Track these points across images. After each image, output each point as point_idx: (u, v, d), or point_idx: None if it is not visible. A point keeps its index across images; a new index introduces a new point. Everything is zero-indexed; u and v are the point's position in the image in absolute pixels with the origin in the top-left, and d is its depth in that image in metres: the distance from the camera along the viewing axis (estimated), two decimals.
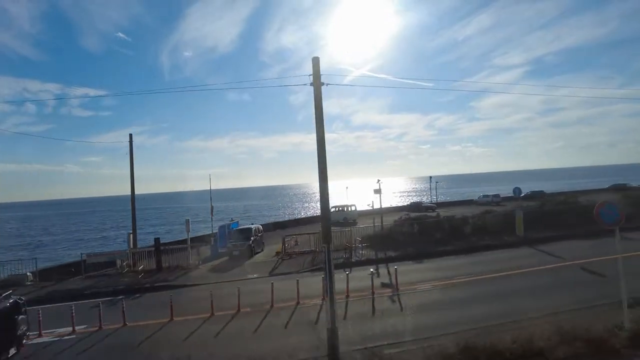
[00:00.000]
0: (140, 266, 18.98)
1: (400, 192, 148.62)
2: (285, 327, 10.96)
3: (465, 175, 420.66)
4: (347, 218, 37.94)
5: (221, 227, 24.47)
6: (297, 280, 13.85)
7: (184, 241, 26.82)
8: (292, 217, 49.64)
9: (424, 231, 23.08)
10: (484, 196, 50.15)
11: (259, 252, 22.85)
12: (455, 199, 56.46)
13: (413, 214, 30.12)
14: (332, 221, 37.80)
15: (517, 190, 27.97)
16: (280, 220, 41.98)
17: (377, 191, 22.84)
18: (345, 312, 11.80)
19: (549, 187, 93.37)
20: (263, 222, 40.92)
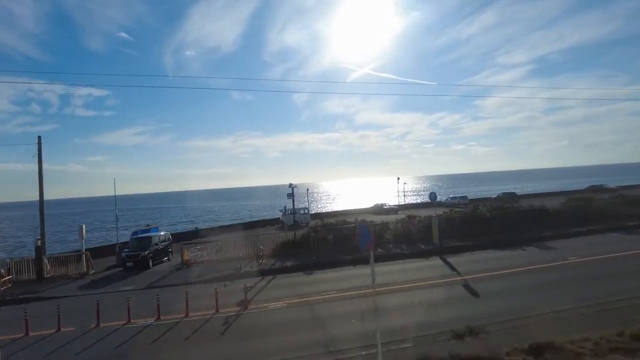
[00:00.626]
0: (8, 277, 17.88)
1: (402, 191, 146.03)
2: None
3: (467, 175, 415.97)
4: (298, 221, 36.67)
5: (133, 234, 23.33)
6: (157, 295, 12.75)
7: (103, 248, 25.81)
8: (252, 219, 48.24)
9: (340, 239, 21.70)
10: (452, 198, 48.49)
11: (165, 260, 21.61)
12: (425, 201, 54.65)
13: (369, 217, 28.90)
14: (285, 224, 36.65)
15: (432, 196, 26.30)
16: (234, 223, 40.71)
17: (290, 195, 21.46)
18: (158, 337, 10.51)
19: (551, 186, 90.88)
20: (220, 225, 39.96)
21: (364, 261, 18.05)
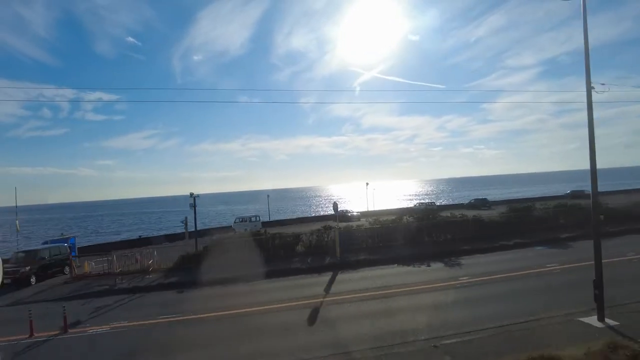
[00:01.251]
0: None
1: (406, 195, 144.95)
2: None
3: (475, 178, 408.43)
4: (249, 229, 35.56)
5: (43, 244, 22.56)
6: None
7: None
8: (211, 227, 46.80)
9: (252, 250, 20.51)
10: (420, 204, 46.78)
11: (59, 274, 20.31)
12: (396, 207, 52.89)
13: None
14: (236, 232, 35.62)
15: (335, 206, 24.43)
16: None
17: (192, 205, 20.38)
18: None
19: (551, 190, 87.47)
20: (172, 232, 39.15)
21: (257, 277, 16.92)
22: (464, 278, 14.71)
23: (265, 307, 12.69)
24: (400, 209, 45.79)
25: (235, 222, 37.40)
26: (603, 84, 10.51)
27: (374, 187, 50.58)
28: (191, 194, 19.87)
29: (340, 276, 16.46)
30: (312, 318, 11.38)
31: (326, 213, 50.60)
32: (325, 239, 21.39)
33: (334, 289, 14.54)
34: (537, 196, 57.29)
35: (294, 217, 49.72)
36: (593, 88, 9.93)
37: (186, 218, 21.27)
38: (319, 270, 17.69)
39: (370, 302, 12.46)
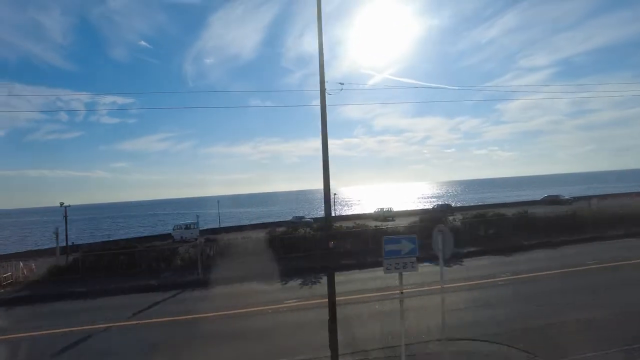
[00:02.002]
0: None
1: (419, 197, 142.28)
2: None
3: (488, 180, 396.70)
4: (185, 237, 34.61)
5: None
6: None
7: None
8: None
9: (128, 263, 19.45)
10: (379, 209, 44.79)
11: None
12: (357, 212, 50.95)
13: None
14: (175, 240, 34.81)
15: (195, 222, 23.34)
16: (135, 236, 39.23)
17: (64, 217, 19.39)
18: None
19: (571, 192, 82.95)
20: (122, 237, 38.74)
21: (109, 293, 15.79)
22: (290, 301, 13.10)
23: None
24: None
25: (174, 229, 36.54)
26: (342, 84, 8.84)
27: (334, 193, 48.62)
28: (61, 204, 18.88)
29: (196, 293, 15.09)
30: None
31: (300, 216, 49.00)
32: (209, 252, 20.08)
33: (167, 309, 13.17)
34: (514, 201, 53.99)
35: (257, 222, 48.33)
36: (328, 92, 8.29)
37: (57, 229, 20.15)
38: (178, 287, 16.27)
39: (158, 328, 11.03)
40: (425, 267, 16.47)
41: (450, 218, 24.47)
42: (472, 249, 19.61)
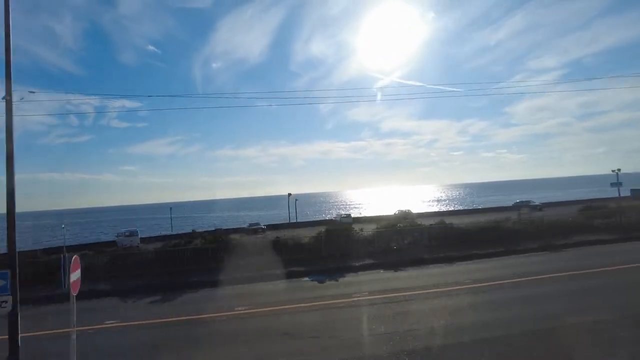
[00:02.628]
0: None
1: (428, 200, 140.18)
2: None
3: (496, 183, 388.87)
4: (125, 245, 33.92)
5: None
6: None
7: None
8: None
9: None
10: (342, 216, 43.36)
11: None
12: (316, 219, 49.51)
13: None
14: (119, 247, 34.16)
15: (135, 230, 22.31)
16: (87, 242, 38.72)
17: None
18: None
19: (578, 195, 79.63)
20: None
21: None
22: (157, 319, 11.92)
23: None
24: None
25: (117, 237, 35.93)
26: (32, 92, 7.77)
27: (296, 198, 47.23)
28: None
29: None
30: None
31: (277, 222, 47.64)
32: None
33: None
34: (488, 207, 51.77)
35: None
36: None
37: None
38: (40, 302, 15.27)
39: None
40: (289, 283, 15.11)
41: (358, 228, 22.99)
42: (365, 262, 18.17)
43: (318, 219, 47.82)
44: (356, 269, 17.46)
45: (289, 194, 44.42)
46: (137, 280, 17.05)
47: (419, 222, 23.15)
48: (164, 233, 43.44)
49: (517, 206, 45.70)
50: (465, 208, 55.69)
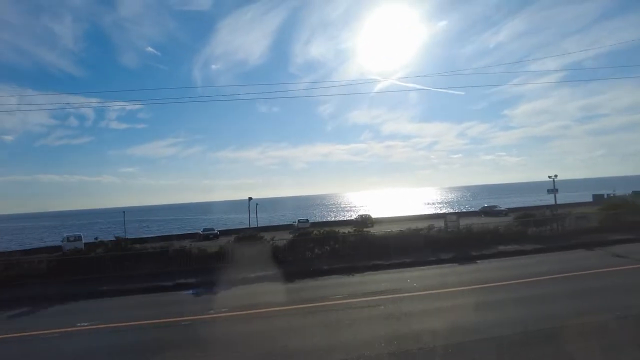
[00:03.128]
0: None
1: (427, 203, 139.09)
2: None
3: (496, 186, 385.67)
4: (69, 249, 33.13)
5: None
6: None
7: None
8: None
9: None
10: (300, 221, 42.45)
11: None
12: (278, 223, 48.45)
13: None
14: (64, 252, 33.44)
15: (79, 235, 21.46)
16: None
17: None
18: None
19: (578, 197, 77.38)
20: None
21: None
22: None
23: None
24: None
25: (62, 241, 35.21)
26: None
27: (256, 204, 46.06)
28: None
29: None
30: None
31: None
32: None
33: None
34: (454, 212, 50.34)
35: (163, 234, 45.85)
36: None
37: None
38: None
39: None
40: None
41: (269, 237, 21.99)
42: (260, 274, 17.15)
43: (282, 224, 46.84)
44: (250, 281, 16.47)
45: (250, 198, 43.41)
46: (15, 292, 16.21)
47: (336, 230, 22.06)
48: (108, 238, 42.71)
49: (483, 211, 44.52)
50: (436, 212, 54.35)
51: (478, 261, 17.73)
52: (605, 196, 46.04)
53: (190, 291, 15.52)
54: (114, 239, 22.19)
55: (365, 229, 24.67)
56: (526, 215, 24.19)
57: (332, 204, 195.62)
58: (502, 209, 42.93)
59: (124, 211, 47.08)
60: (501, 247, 19.75)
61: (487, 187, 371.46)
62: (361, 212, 46.61)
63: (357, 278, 15.90)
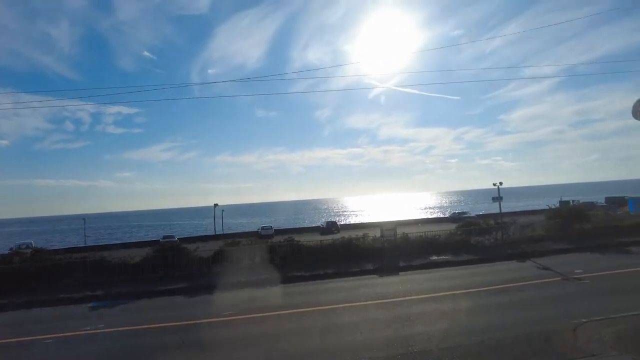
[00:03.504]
0: None
1: (423, 207, 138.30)
2: None
3: (492, 190, 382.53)
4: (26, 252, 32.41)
5: None
6: None
7: None
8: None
9: None
10: (263, 228, 41.66)
11: None
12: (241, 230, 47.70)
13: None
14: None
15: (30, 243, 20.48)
16: None
17: None
18: None
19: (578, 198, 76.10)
20: None
21: None
22: None
23: None
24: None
25: (10, 249, 34.43)
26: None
27: (223, 210, 45.25)
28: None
29: None
30: None
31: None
32: None
33: None
34: (424, 217, 49.63)
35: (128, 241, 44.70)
36: None
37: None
38: None
39: None
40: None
41: (193, 247, 21.18)
42: (172, 287, 16.43)
43: (249, 231, 46.04)
44: (154, 294, 15.74)
45: (215, 205, 42.74)
46: None
47: (296, 239, 21.32)
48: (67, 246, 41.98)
49: (451, 218, 43.78)
50: (422, 217, 53.35)
51: (401, 273, 17.00)
52: (571, 203, 45.23)
53: (91, 304, 14.82)
54: (32, 249, 21.41)
55: (329, 236, 24.21)
56: (468, 224, 23.49)
57: (325, 209, 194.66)
58: (472, 215, 42.20)
59: (83, 218, 46.27)
60: (434, 257, 19.04)
61: (482, 191, 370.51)
62: (328, 219, 45.81)
63: (266, 291, 15.19)
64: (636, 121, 12.21)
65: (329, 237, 22.79)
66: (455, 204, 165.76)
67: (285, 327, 10.43)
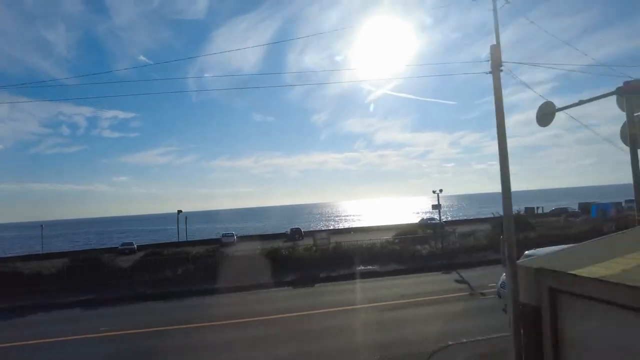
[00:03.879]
0: None
1: (417, 211, 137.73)
2: None
3: (487, 195, 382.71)
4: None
5: None
6: None
7: None
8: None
9: None
10: (225, 235, 41.02)
11: None
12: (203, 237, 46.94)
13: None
14: None
15: None
16: None
17: None
18: None
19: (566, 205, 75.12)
20: None
21: None
22: None
23: None
24: None
25: None
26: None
27: (185, 216, 44.55)
28: None
29: None
30: None
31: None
32: None
33: None
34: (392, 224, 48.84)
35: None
36: None
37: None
38: None
39: None
40: None
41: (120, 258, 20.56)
42: (84, 297, 15.72)
43: (213, 238, 45.23)
44: (64, 306, 15.09)
45: (179, 211, 41.95)
46: None
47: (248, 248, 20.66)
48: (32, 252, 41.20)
49: (421, 224, 43.03)
50: (387, 224, 52.61)
51: (318, 284, 16.35)
52: (536, 210, 44.46)
53: None
54: None
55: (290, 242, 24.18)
56: (404, 232, 22.87)
57: (318, 214, 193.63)
58: (438, 221, 41.34)
59: (41, 225, 45.44)
60: (360, 268, 18.36)
61: (478, 195, 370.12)
62: (293, 226, 45.07)
63: (170, 304, 14.56)
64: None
65: (288, 245, 22.85)
66: (446, 209, 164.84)
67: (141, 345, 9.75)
